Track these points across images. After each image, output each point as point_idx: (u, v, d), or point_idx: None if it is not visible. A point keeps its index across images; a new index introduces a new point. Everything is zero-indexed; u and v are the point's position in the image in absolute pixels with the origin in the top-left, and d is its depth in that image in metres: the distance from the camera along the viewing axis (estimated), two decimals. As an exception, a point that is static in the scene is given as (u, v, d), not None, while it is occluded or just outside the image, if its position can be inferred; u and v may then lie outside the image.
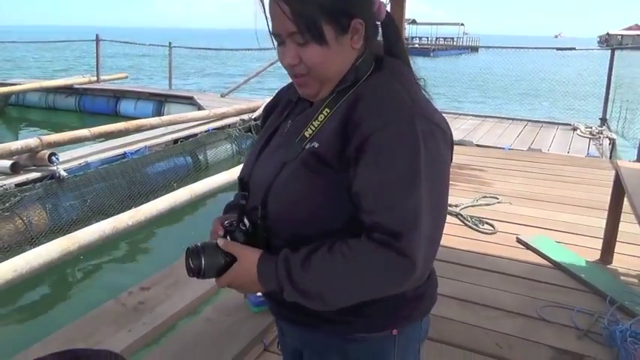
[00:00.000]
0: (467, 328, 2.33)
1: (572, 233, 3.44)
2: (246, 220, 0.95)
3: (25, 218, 4.49)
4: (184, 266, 0.91)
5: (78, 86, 11.24)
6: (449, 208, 3.76)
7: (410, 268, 0.82)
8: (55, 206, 4.78)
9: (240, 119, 7.97)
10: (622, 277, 2.84)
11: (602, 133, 7.35)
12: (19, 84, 11.33)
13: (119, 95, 10.87)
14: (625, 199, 2.85)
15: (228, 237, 0.93)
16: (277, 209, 0.91)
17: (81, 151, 6.05)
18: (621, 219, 2.99)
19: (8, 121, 11.12)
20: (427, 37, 48.96)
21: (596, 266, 2.94)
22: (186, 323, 2.10)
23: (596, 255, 3.05)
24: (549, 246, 3.16)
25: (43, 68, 22.61)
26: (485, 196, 4.15)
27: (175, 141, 6.93)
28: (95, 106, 10.98)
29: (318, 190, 0.87)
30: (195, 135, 7.17)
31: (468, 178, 4.71)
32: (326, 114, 0.91)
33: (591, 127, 7.68)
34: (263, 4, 0.91)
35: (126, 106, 10.64)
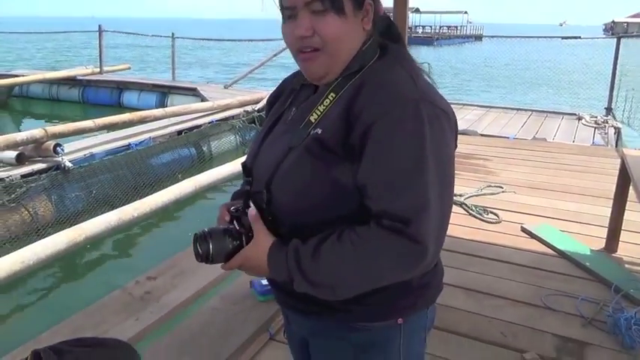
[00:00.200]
0: (472, 317, 2.34)
1: (577, 222, 3.44)
2: (252, 205, 0.95)
3: (31, 209, 4.52)
4: (190, 256, 0.92)
5: (81, 77, 11.24)
6: (453, 197, 3.77)
7: (422, 253, 0.82)
8: (61, 197, 4.81)
9: (244, 110, 7.96)
10: (627, 266, 2.84)
11: (607, 122, 7.30)
12: (23, 75, 11.33)
13: (122, 87, 10.87)
14: (630, 187, 2.84)
15: (235, 222, 0.93)
16: (282, 195, 0.91)
17: (86, 142, 6.06)
18: (626, 207, 2.99)
19: (12, 113, 11.14)
20: (430, 26, 48.53)
21: (600, 255, 2.94)
22: (192, 312, 2.12)
23: (600, 243, 3.04)
24: (554, 235, 3.15)
25: (45, 59, 22.61)
26: (490, 186, 4.14)
27: (179, 132, 6.93)
28: (98, 97, 10.99)
29: (322, 177, 0.87)
30: (198, 126, 7.17)
31: (472, 168, 4.70)
32: (331, 99, 0.90)
33: (596, 117, 7.62)
34: None
35: (129, 97, 10.64)
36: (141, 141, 6.26)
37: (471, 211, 3.60)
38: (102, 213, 4.12)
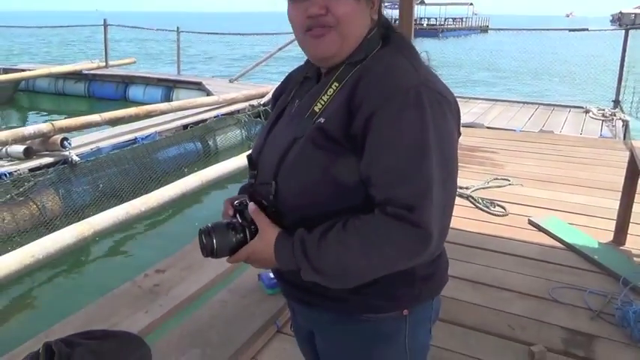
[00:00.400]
0: (479, 310, 2.34)
1: (585, 215, 3.42)
2: (257, 199, 0.95)
3: (39, 203, 4.55)
4: (198, 249, 0.92)
5: (87, 72, 11.26)
6: (459, 190, 3.77)
7: (426, 238, 0.82)
8: (68, 191, 4.84)
9: (250, 105, 7.95)
10: (635, 258, 2.83)
11: (614, 115, 7.25)
12: (29, 70, 11.37)
13: (128, 81, 10.89)
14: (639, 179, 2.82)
15: (238, 216, 0.94)
16: (287, 186, 0.91)
17: (92, 136, 6.09)
18: (635, 200, 2.97)
19: (19, 107, 11.20)
20: (435, 18, 48.20)
21: (609, 247, 2.93)
22: (201, 305, 2.13)
23: (609, 236, 3.03)
24: (561, 227, 3.14)
25: (50, 54, 22.66)
26: (497, 178, 4.13)
27: (185, 126, 6.94)
28: (104, 91, 11.02)
29: (327, 167, 0.87)
30: (204, 121, 7.17)
31: (478, 160, 4.68)
32: (335, 88, 0.90)
33: (604, 110, 7.56)
34: None
35: (135, 91, 10.66)
36: (147, 135, 6.28)
37: (477, 204, 3.59)
38: (109, 206, 4.15)
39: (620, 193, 3.03)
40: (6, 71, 11.30)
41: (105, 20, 12.24)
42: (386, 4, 1.05)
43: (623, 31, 8.46)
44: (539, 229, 3.19)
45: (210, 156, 6.59)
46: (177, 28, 11.90)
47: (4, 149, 4.99)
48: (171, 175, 5.46)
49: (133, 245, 4.67)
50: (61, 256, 3.45)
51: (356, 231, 0.83)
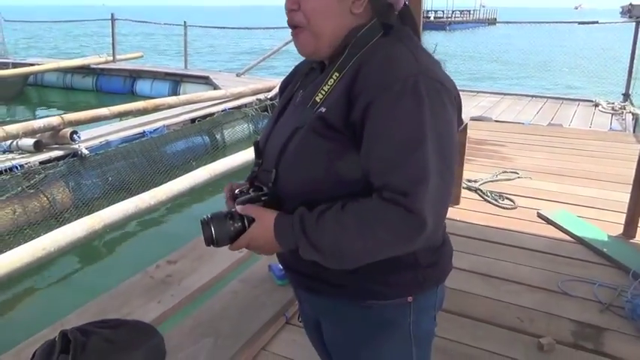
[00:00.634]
0: (488, 302, 2.34)
1: (594, 208, 3.41)
2: (256, 184, 0.98)
3: (49, 195, 4.59)
4: None
5: (95, 66, 11.31)
6: (468, 183, 3.76)
7: (420, 224, 0.82)
8: (78, 183, 4.88)
9: (257, 99, 7.96)
10: (645, 252, 2.82)
11: (624, 108, 7.19)
12: (38, 64, 11.43)
13: (135, 75, 10.92)
14: (650, 173, 2.81)
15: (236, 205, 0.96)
16: (288, 174, 0.93)
17: (101, 129, 6.12)
18: (646, 193, 2.96)
19: (28, 101, 11.27)
20: (443, 11, 47.87)
21: (619, 240, 2.92)
22: (212, 295, 2.16)
23: (618, 229, 3.02)
24: (571, 221, 3.14)
25: (57, 48, 22.75)
26: (505, 171, 4.11)
27: (192, 120, 6.96)
28: (112, 85, 11.06)
29: (327, 156, 0.89)
30: (212, 114, 7.19)
31: (487, 154, 4.67)
32: (335, 78, 0.91)
33: (613, 103, 7.51)
34: None
35: (142, 86, 10.69)
36: (155, 129, 6.31)
37: (486, 197, 3.59)
38: (118, 199, 4.18)
39: (630, 186, 3.02)
40: (15, 66, 11.36)
41: (112, 14, 12.27)
42: None
43: (634, 23, 8.36)
44: (548, 222, 3.18)
45: (217, 150, 6.61)
46: (185, 22, 11.90)
47: (14, 142, 5.04)
48: (179, 169, 5.48)
49: (144, 237, 4.71)
50: (72, 248, 3.49)
51: (353, 212, 0.85)
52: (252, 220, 0.93)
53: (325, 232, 0.86)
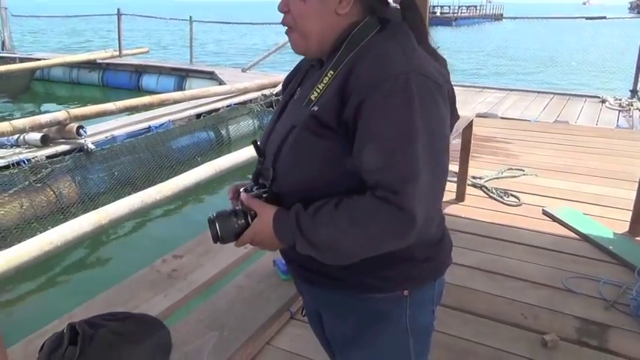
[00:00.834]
0: (492, 299, 2.35)
1: (600, 205, 3.40)
2: (260, 182, 1.00)
3: (55, 189, 4.63)
4: None
5: (101, 61, 11.34)
6: (473, 180, 3.76)
7: (410, 221, 0.84)
8: (84, 178, 4.91)
9: (262, 94, 7.96)
10: (651, 250, 2.81)
11: (632, 105, 7.14)
12: (44, 59, 11.47)
13: (141, 70, 10.94)
14: (657, 170, 2.79)
15: (240, 203, 0.98)
16: (284, 172, 0.95)
17: (107, 124, 6.14)
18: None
19: (35, 96, 11.32)
20: (449, 6, 47.55)
21: (624, 238, 2.91)
22: (218, 289, 2.17)
23: (624, 227, 3.01)
24: (576, 218, 3.13)
25: (62, 43, 22.80)
26: (511, 168, 4.11)
27: (198, 116, 6.98)
28: (118, 80, 11.09)
29: (321, 154, 0.90)
30: (217, 110, 7.20)
31: (492, 151, 4.66)
32: (330, 76, 0.92)
33: (620, 99, 7.46)
34: None
35: (148, 81, 10.72)
36: (161, 124, 6.33)
37: (491, 194, 3.59)
38: (123, 194, 4.21)
39: (636, 184, 3.00)
40: (22, 60, 11.41)
41: (118, 10, 12.28)
42: None
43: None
44: (554, 219, 3.18)
45: (222, 145, 6.63)
46: (190, 17, 11.90)
47: (22, 136, 5.07)
48: (184, 164, 5.51)
49: (150, 232, 4.74)
50: (79, 242, 3.52)
51: (346, 210, 0.87)
52: (255, 216, 0.95)
53: (320, 230, 0.88)
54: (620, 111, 6.93)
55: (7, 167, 4.55)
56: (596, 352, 2.00)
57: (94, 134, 5.57)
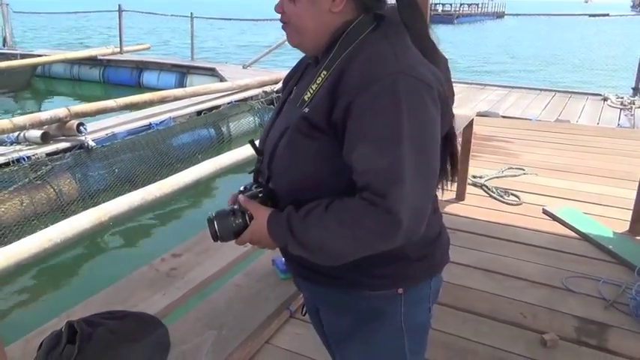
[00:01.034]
0: (491, 298, 2.35)
1: (600, 204, 3.39)
2: (260, 180, 1.02)
3: (56, 187, 4.63)
4: None
5: (102, 57, 11.33)
6: (474, 179, 3.75)
7: (395, 223, 0.83)
8: (85, 175, 4.91)
9: (263, 91, 7.95)
10: (651, 249, 2.80)
11: (634, 103, 7.12)
12: (45, 55, 11.47)
13: (142, 66, 10.93)
14: (657, 170, 2.79)
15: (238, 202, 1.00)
16: (278, 172, 0.96)
17: (107, 121, 6.14)
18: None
19: (35, 93, 11.32)
20: (450, 4, 47.40)
21: (624, 237, 2.90)
22: (217, 288, 2.17)
23: (624, 226, 3.01)
24: (576, 217, 3.12)
25: (63, 39, 22.78)
26: (511, 168, 4.10)
27: (198, 112, 6.97)
28: (119, 77, 11.08)
29: (313, 155, 0.91)
30: (217, 107, 7.19)
31: (493, 150, 4.65)
32: (323, 76, 0.92)
33: (622, 97, 7.44)
34: None
35: (149, 77, 10.71)
36: (161, 121, 6.32)
37: (491, 193, 3.58)
38: (124, 191, 4.21)
39: (636, 183, 2.99)
40: (23, 57, 11.41)
41: (119, 6, 12.26)
42: None
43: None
44: (554, 218, 3.17)
45: (223, 142, 6.63)
46: (191, 13, 11.87)
47: (22, 134, 5.07)
48: (185, 162, 5.50)
49: (149, 230, 4.74)
50: (78, 239, 3.52)
51: (335, 212, 0.87)
52: (252, 217, 0.97)
53: (310, 232, 0.89)
54: (621, 109, 6.91)
55: (7, 164, 4.55)
56: (595, 351, 2.00)
57: (94, 131, 5.57)
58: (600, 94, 7.73)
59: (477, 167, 3.97)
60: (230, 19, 15.70)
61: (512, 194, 3.57)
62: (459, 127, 3.24)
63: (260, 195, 0.99)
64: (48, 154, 4.87)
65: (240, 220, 0.97)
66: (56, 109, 5.43)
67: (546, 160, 4.35)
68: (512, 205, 3.43)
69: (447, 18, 36.91)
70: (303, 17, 0.94)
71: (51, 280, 3.91)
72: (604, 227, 3.00)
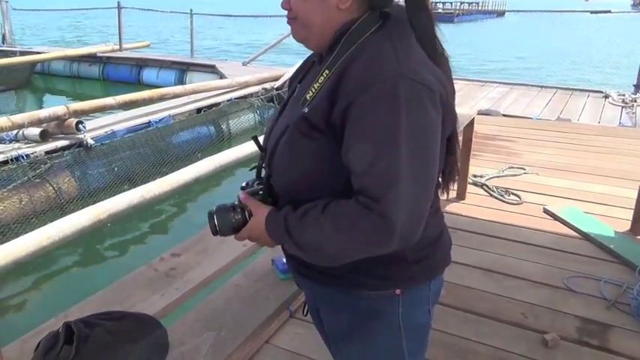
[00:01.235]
0: (492, 298, 2.34)
1: (602, 204, 3.38)
2: (262, 176, 1.03)
3: (55, 185, 4.62)
4: None
5: (101, 55, 11.30)
6: (474, 179, 3.73)
7: (389, 229, 0.82)
8: (84, 173, 4.90)
9: (263, 89, 7.93)
10: (653, 249, 2.79)
11: (635, 100, 7.10)
12: (44, 52, 11.44)
13: (142, 64, 10.90)
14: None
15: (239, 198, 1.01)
16: (278, 171, 0.96)
17: (106, 119, 6.13)
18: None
19: (35, 90, 11.29)
20: (451, 2, 47.26)
21: (626, 237, 2.89)
22: (216, 288, 2.16)
23: (626, 226, 2.99)
24: (577, 216, 3.11)
25: (63, 36, 22.72)
26: (512, 167, 4.08)
27: (198, 110, 6.95)
28: (118, 74, 11.06)
29: (311, 155, 0.90)
30: (217, 104, 7.17)
31: (494, 149, 4.63)
32: (325, 75, 0.91)
33: (624, 95, 7.42)
34: None
35: (148, 74, 10.68)
36: (161, 118, 6.30)
37: (492, 193, 3.57)
38: (123, 189, 4.19)
39: (638, 183, 2.98)
40: (22, 54, 11.37)
41: (119, 3, 12.22)
42: None
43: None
44: (555, 217, 3.16)
45: (223, 140, 6.61)
46: (191, 10, 11.84)
47: (20, 132, 5.06)
48: (184, 160, 5.49)
49: (148, 229, 4.73)
50: (77, 237, 3.50)
51: (331, 215, 0.87)
52: (252, 213, 0.98)
53: (306, 233, 0.88)
54: (623, 107, 6.89)
55: (5, 162, 4.54)
56: (596, 351, 1.99)
57: (93, 129, 5.55)
58: (601, 92, 7.71)
59: (478, 166, 3.96)
60: (230, 16, 15.65)
61: (513, 194, 3.55)
62: (459, 126, 3.22)
63: (260, 192, 0.99)
64: (47, 152, 4.86)
65: (240, 217, 0.97)
66: (55, 106, 5.42)
67: (547, 160, 4.33)
68: (513, 204, 3.42)
69: (448, 16, 36.77)
70: (312, 12, 0.93)
71: (48, 280, 3.89)
72: (605, 227, 2.98)
